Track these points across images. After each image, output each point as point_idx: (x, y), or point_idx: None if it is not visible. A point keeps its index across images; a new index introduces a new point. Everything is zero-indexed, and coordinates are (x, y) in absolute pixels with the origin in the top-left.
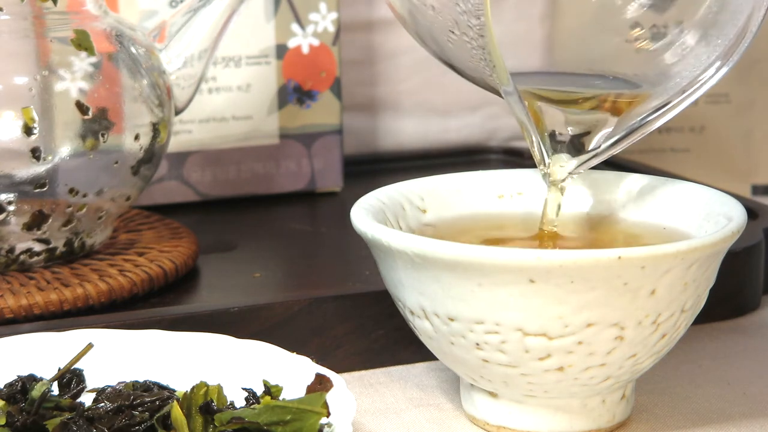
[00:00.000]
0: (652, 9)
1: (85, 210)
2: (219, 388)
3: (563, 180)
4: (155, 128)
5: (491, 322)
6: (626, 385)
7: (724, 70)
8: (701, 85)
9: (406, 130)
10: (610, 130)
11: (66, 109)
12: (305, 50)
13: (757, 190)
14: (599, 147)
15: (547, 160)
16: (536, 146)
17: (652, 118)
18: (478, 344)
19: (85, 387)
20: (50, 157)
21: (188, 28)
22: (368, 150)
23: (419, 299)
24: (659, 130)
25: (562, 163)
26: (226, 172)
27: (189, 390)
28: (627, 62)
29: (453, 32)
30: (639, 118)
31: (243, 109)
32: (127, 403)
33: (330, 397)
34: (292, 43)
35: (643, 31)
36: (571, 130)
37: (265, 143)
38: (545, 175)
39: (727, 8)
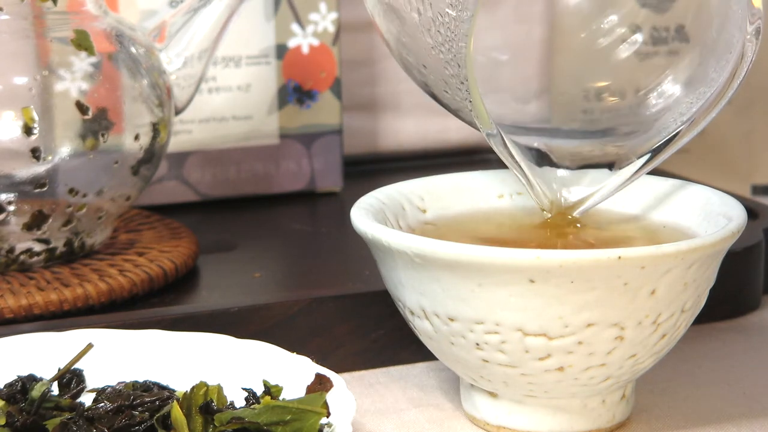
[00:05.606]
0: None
1: (85, 210)
2: (219, 388)
3: (572, 208)
4: (155, 128)
5: (491, 322)
6: (626, 385)
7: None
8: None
9: (406, 130)
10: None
11: (66, 109)
12: (305, 50)
13: (757, 190)
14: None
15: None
16: (535, 186)
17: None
18: (478, 344)
19: (85, 387)
20: (50, 157)
21: (188, 28)
22: (368, 150)
23: (419, 299)
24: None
25: (566, 193)
26: (226, 172)
27: (189, 390)
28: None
29: (445, 90)
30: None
31: (243, 109)
32: (127, 403)
33: (330, 397)
34: (292, 43)
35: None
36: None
37: (265, 143)
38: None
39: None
